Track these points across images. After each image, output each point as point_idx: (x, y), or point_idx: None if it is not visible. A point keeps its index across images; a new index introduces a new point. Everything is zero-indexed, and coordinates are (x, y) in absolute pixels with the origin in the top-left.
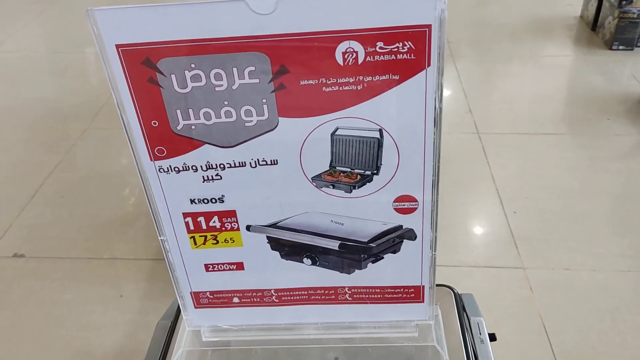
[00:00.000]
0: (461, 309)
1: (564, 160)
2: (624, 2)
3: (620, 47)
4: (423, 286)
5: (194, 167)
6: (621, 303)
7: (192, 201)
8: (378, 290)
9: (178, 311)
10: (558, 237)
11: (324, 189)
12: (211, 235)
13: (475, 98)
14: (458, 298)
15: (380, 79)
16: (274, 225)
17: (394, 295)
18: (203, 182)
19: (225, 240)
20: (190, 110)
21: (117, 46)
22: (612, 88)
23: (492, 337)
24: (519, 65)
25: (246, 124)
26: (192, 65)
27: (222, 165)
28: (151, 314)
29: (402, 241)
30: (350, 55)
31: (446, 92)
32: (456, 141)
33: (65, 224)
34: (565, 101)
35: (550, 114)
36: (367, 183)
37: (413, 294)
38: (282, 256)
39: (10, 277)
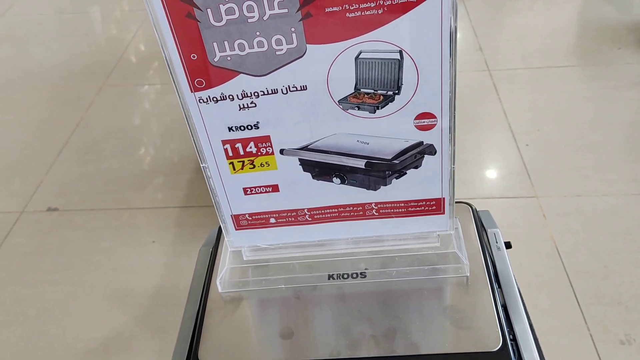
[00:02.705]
0: (479, 222)
1: (575, 92)
2: None
3: None
4: (443, 198)
5: (231, 97)
6: (632, 225)
7: (230, 129)
8: (402, 205)
9: (217, 238)
10: (570, 166)
11: (349, 110)
12: (248, 160)
13: (485, 36)
14: (475, 213)
15: (399, 2)
16: (305, 148)
17: (417, 209)
18: (239, 110)
19: (261, 164)
20: (226, 42)
21: None
22: (622, 17)
23: (508, 245)
24: (528, 0)
25: (277, 53)
26: None
27: (256, 94)
28: (182, 256)
29: (423, 156)
30: None
31: None
32: (467, 79)
33: (92, 179)
34: (575, 33)
35: (561, 47)
36: (390, 103)
37: (434, 207)
38: (313, 177)
39: (46, 229)
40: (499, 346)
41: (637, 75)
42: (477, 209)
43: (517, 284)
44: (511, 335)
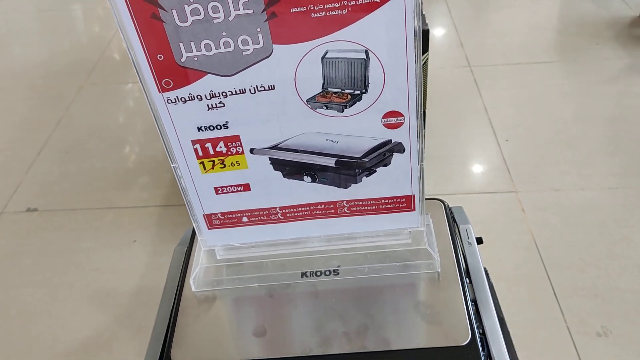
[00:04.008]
0: (451, 218)
1: (555, 88)
2: None
3: None
4: (413, 195)
5: (199, 97)
6: (608, 218)
7: (199, 129)
8: (373, 202)
9: (192, 237)
10: (549, 161)
11: (318, 110)
12: (218, 160)
13: (466, 32)
14: (448, 209)
15: (364, 2)
16: (274, 147)
17: (388, 206)
18: (208, 110)
19: (231, 163)
20: (192, 43)
21: None
22: (601, 13)
23: (479, 241)
24: None
25: (244, 53)
26: (191, 0)
27: (224, 94)
28: (164, 256)
29: (392, 154)
30: None
31: (437, 28)
32: (448, 75)
33: (73, 178)
34: (555, 29)
35: (541, 43)
36: (357, 102)
37: (405, 204)
38: (284, 175)
39: (26, 230)
40: (468, 340)
41: (616, 70)
42: (450, 205)
43: (489, 279)
44: (480, 330)
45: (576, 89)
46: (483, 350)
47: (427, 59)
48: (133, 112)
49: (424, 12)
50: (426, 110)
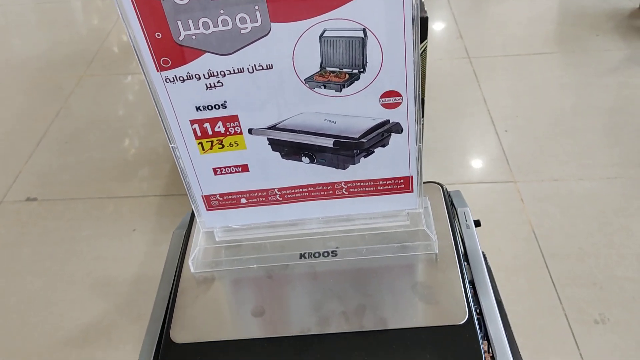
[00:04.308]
0: (449, 202)
1: (554, 79)
2: None
3: None
4: (411, 176)
5: (197, 76)
6: (607, 208)
7: (198, 108)
8: (371, 183)
9: (191, 220)
10: (548, 152)
11: (316, 89)
12: (217, 140)
13: (465, 24)
14: (446, 193)
15: None
16: (273, 127)
17: (386, 187)
18: (206, 89)
19: (230, 144)
20: (190, 21)
21: None
22: (601, 4)
23: (477, 223)
24: None
25: (242, 31)
26: None
27: (222, 73)
28: (163, 244)
29: (390, 135)
30: None
31: (436, 19)
32: (448, 67)
33: (72, 168)
34: (555, 21)
35: (541, 35)
36: (355, 81)
37: (403, 185)
38: (282, 156)
39: (25, 219)
40: (465, 320)
41: (615, 61)
42: (448, 189)
43: (487, 263)
44: (477, 310)
45: (575, 80)
46: (480, 329)
47: (426, 47)
48: (132, 103)
49: (422, 1)
50: (425, 101)
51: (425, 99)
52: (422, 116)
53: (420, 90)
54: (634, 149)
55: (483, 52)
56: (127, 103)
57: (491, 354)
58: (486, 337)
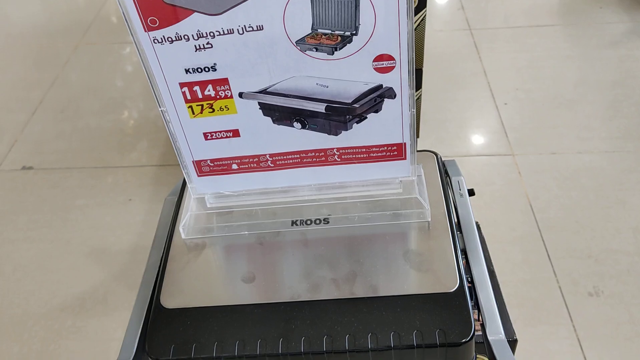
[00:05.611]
0: (443, 170)
1: (556, 51)
2: None
3: None
4: (404, 143)
5: (186, 37)
6: (605, 181)
7: (187, 71)
8: (364, 150)
9: (182, 187)
10: (547, 124)
11: (307, 52)
12: (207, 104)
13: None
14: (440, 162)
15: None
16: (264, 91)
17: (379, 154)
18: (195, 51)
19: (220, 108)
20: None
21: None
22: None
23: (471, 192)
24: None
25: None
26: None
27: (211, 34)
28: (159, 214)
29: (383, 100)
30: None
31: None
32: (448, 38)
33: (69, 137)
34: None
35: (543, 6)
36: (348, 44)
37: (396, 152)
38: (273, 121)
39: (21, 187)
40: (456, 287)
41: (618, 34)
42: (443, 158)
43: (481, 232)
44: (469, 278)
45: (577, 52)
46: (471, 298)
47: (425, 16)
48: (129, 72)
49: None
50: (423, 72)
51: (424, 70)
52: (420, 87)
53: (414, 55)
54: (633, 122)
55: (484, 24)
56: (124, 72)
57: (481, 322)
58: (477, 305)
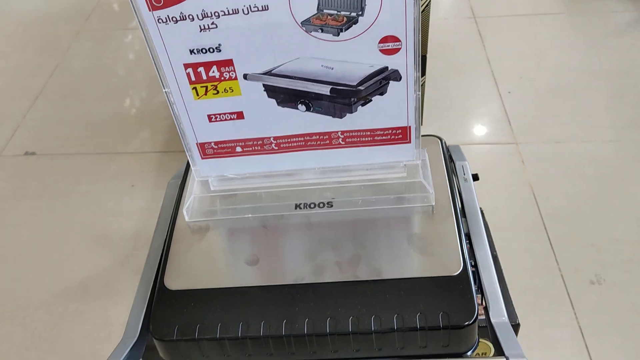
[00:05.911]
0: (447, 155)
1: (560, 40)
2: None
3: None
4: (409, 127)
5: (191, 16)
6: (608, 170)
7: (192, 52)
8: (369, 133)
9: (186, 171)
10: (551, 113)
11: (313, 33)
12: (211, 85)
13: None
14: (445, 146)
15: None
16: (268, 73)
17: (384, 137)
18: (200, 31)
19: (225, 89)
20: None
21: None
22: None
23: (475, 177)
24: None
25: None
26: None
27: (216, 14)
28: (162, 200)
29: (388, 83)
30: None
31: None
32: (452, 26)
33: (71, 123)
34: None
35: None
36: (353, 25)
37: (401, 135)
38: (278, 104)
39: (24, 173)
40: (459, 271)
41: (623, 23)
42: (447, 143)
43: (484, 218)
44: (472, 262)
45: (581, 41)
46: (474, 282)
47: (429, 2)
48: (131, 58)
49: None
50: (427, 60)
51: (428, 58)
52: (424, 74)
53: (420, 38)
54: (638, 111)
55: (489, 12)
56: (126, 59)
57: (484, 306)
58: (480, 289)
